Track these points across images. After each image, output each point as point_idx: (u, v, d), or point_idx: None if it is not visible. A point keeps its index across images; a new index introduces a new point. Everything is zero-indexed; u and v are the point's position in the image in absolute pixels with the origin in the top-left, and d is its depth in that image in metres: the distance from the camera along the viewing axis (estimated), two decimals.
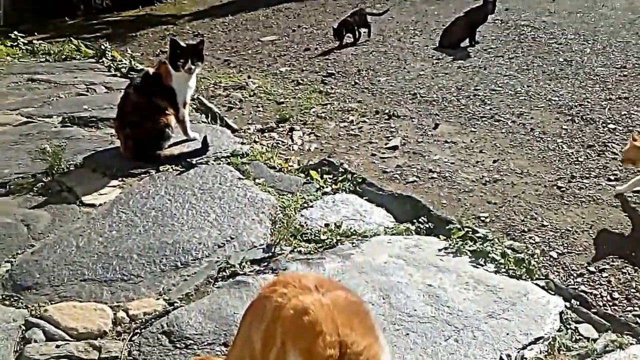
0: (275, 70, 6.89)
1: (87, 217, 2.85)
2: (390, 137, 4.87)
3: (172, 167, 3.36)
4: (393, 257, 2.54)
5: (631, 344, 2.15)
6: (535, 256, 2.80)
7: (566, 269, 3.11)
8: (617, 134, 4.74)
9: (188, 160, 3.42)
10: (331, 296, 1.39)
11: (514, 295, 2.29)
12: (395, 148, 4.65)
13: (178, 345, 2.02)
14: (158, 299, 2.30)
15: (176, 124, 3.54)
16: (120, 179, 3.25)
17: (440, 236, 2.81)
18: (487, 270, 2.48)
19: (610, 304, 2.86)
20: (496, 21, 7.81)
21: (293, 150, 4.77)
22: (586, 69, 6.21)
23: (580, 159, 4.29)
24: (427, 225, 2.92)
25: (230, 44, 8.20)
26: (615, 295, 2.89)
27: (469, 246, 2.60)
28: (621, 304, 2.84)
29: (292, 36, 8.38)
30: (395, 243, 2.67)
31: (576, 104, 5.33)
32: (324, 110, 5.51)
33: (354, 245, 2.67)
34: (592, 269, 3.11)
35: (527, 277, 2.46)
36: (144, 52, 8.17)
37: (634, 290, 2.92)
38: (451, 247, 2.64)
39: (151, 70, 3.50)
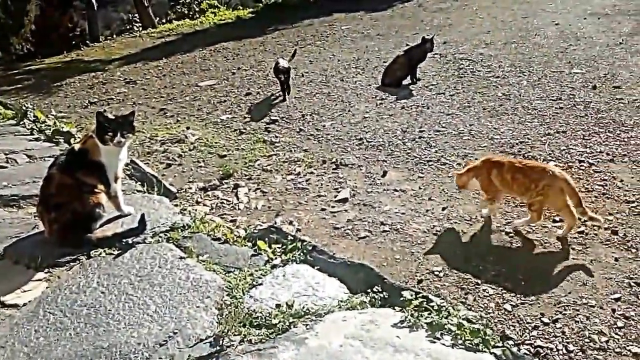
0: (215, 118, 6.75)
1: (10, 322, 2.60)
2: (339, 189, 4.79)
3: (105, 251, 3.13)
4: (349, 339, 2.41)
5: None
6: (490, 322, 2.70)
7: (521, 321, 3.09)
8: None
9: (124, 240, 3.19)
10: None
11: None
12: (345, 200, 4.57)
13: None
14: None
15: (108, 201, 3.32)
16: (46, 270, 3.00)
17: (396, 307, 2.69)
18: (444, 344, 2.38)
19: (567, 357, 2.81)
20: (435, 55, 7.90)
21: (239, 209, 4.62)
22: (524, 102, 6.31)
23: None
24: (381, 295, 2.80)
25: (166, 90, 8.00)
26: (571, 347, 2.89)
27: (425, 318, 2.49)
28: (577, 357, 2.80)
29: (232, 80, 8.26)
30: (350, 321, 2.54)
31: (517, 140, 5.39)
32: (269, 162, 5.39)
33: (307, 327, 2.52)
34: (545, 319, 3.10)
35: (484, 347, 2.36)
36: (71, 104, 7.87)
37: (588, 340, 2.92)
38: (407, 320, 2.53)
39: (77, 146, 3.29)
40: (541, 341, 2.95)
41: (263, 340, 2.47)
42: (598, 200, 4.30)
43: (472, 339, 2.42)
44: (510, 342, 2.97)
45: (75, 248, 3.05)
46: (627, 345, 2.85)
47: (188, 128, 6.43)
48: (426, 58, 7.18)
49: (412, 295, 2.62)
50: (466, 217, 4.26)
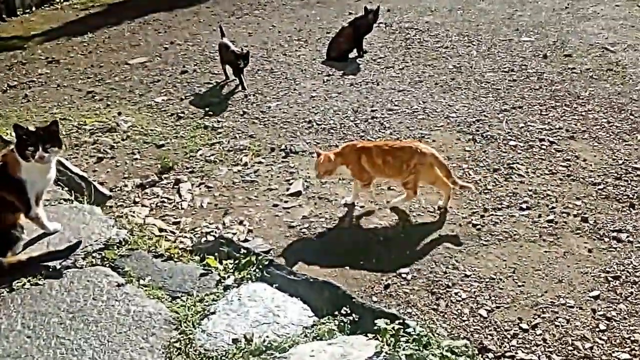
0: (149, 101, 6.22)
1: None
2: (291, 180, 4.46)
3: (30, 281, 2.69)
4: None
5: None
6: (473, 351, 2.46)
7: (498, 329, 2.90)
8: (519, 151, 4.62)
9: (47, 263, 2.75)
10: None
11: None
12: (298, 194, 4.25)
13: None
14: None
15: (27, 221, 2.87)
16: None
17: (369, 334, 2.40)
18: None
19: None
20: (380, 24, 7.56)
21: (182, 208, 4.23)
22: (476, 75, 6.10)
23: (489, 187, 4.10)
24: (350, 318, 2.50)
25: (93, 70, 7.34)
26: (555, 357, 2.71)
27: (403, 349, 2.21)
28: None
29: (165, 56, 7.68)
30: (319, 356, 2.25)
31: (474, 119, 5.17)
32: (212, 151, 4.98)
33: None
34: (524, 325, 2.91)
35: None
36: None
37: (571, 348, 2.76)
38: (383, 353, 2.24)
39: None
40: (522, 352, 2.76)
41: None
42: (564, 184, 4.14)
43: None
44: (490, 354, 2.74)
45: None
46: (613, 352, 2.69)
47: (120, 114, 5.88)
48: (372, 29, 6.83)
49: (387, 324, 2.31)
50: (429, 208, 4.02)
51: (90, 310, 2.52)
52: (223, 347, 2.35)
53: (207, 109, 5.85)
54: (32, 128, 2.85)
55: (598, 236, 3.56)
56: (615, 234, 3.57)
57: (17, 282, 2.68)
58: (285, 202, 4.22)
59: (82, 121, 5.70)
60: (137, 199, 4.41)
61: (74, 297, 2.60)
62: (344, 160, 3.85)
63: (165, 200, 4.39)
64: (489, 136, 4.91)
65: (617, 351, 2.69)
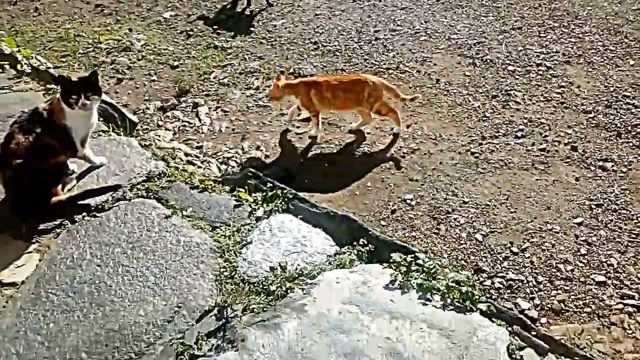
0: (157, 16, 6.36)
1: (14, 306, 2.62)
2: None
3: (87, 215, 3.10)
4: (346, 304, 2.58)
5: None
6: (476, 283, 2.93)
7: (492, 252, 3.32)
8: (516, 76, 4.91)
9: (99, 197, 3.15)
10: None
11: (465, 336, 2.43)
12: (308, 119, 4.56)
13: None
14: None
15: (74, 161, 3.23)
16: (34, 239, 2.97)
17: (384, 263, 2.86)
18: (435, 306, 2.59)
19: (537, 289, 3.11)
20: None
21: (203, 133, 4.57)
22: None
23: (487, 115, 4.43)
24: (367, 248, 2.95)
25: None
26: (540, 278, 3.14)
27: (415, 279, 2.68)
28: (546, 288, 3.09)
29: None
30: (344, 283, 2.70)
31: (474, 41, 5.40)
32: (224, 74, 5.24)
33: (304, 292, 2.67)
34: (515, 249, 3.33)
35: (471, 305, 2.60)
36: None
37: (555, 270, 3.19)
38: (398, 281, 2.71)
39: (42, 107, 3.12)
40: (512, 273, 3.22)
41: (265, 309, 2.61)
42: (557, 111, 4.48)
43: (459, 299, 2.63)
44: (484, 274, 3.22)
45: (32, 213, 2.98)
46: (591, 274, 3.16)
47: (131, 30, 6.04)
48: None
49: (400, 257, 2.77)
50: (431, 135, 4.38)
51: (146, 241, 2.94)
52: (262, 274, 2.80)
53: (215, 26, 6.00)
54: (74, 78, 3.12)
55: (585, 165, 3.95)
56: (601, 163, 3.96)
57: (78, 216, 3.07)
58: (298, 127, 4.56)
59: (96, 38, 5.86)
60: (160, 123, 4.73)
61: (130, 229, 3.01)
62: (293, 91, 4.21)
63: (187, 124, 4.71)
64: (488, 60, 5.18)
65: (594, 273, 3.17)
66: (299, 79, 4.41)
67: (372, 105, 4.13)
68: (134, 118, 4.39)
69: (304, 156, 4.20)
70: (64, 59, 5.55)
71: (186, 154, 4.25)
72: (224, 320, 2.58)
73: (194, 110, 4.82)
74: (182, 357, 2.43)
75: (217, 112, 4.78)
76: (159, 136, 4.50)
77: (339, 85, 4.10)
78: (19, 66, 4.48)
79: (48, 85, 4.28)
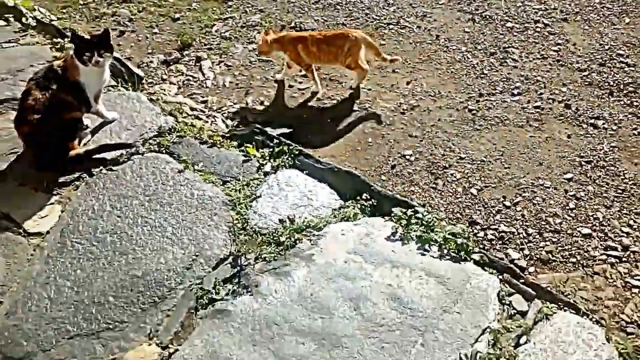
0: None
1: (42, 254, 2.81)
2: None
3: (104, 168, 3.27)
4: (351, 254, 2.79)
5: (554, 312, 2.63)
6: (470, 235, 3.14)
7: (486, 206, 3.52)
8: (514, 33, 5.02)
9: (114, 152, 3.32)
10: None
11: (459, 283, 2.66)
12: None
13: None
14: (150, 344, 2.45)
15: (87, 116, 3.38)
16: (55, 192, 3.14)
17: (385, 216, 3.06)
18: (432, 256, 2.81)
19: (526, 241, 3.33)
20: None
21: (207, 87, 4.69)
22: None
23: (485, 72, 4.57)
24: (370, 202, 3.15)
25: None
26: (530, 230, 3.36)
27: (414, 231, 2.89)
28: (535, 240, 3.32)
29: None
30: (349, 235, 2.91)
31: None
32: (226, 27, 5.32)
33: (312, 243, 2.88)
34: (507, 203, 3.53)
35: (465, 255, 2.83)
36: None
37: (544, 223, 3.40)
38: (398, 233, 2.92)
39: (56, 64, 3.24)
40: (504, 225, 3.44)
41: (275, 258, 2.82)
42: (553, 69, 4.62)
43: (455, 249, 2.85)
44: (478, 227, 3.44)
45: (51, 166, 3.16)
46: (578, 227, 3.38)
47: None
48: None
49: (401, 212, 2.97)
50: (430, 92, 4.52)
51: (162, 194, 3.12)
52: (272, 225, 3.00)
53: None
54: (87, 36, 3.23)
55: (578, 122, 4.13)
56: (593, 120, 4.13)
57: (95, 169, 3.23)
58: (300, 82, 4.69)
59: None
60: (164, 76, 4.83)
61: (146, 182, 3.19)
62: (281, 47, 4.35)
63: (190, 78, 4.82)
64: (487, 16, 5.27)
65: (581, 226, 3.38)
66: (285, 33, 4.48)
67: (346, 59, 4.25)
68: (140, 72, 4.49)
69: (307, 112, 4.33)
70: (64, 10, 5.58)
71: (192, 109, 4.38)
72: (238, 268, 2.79)
73: (197, 64, 4.91)
74: (202, 300, 2.64)
75: (220, 67, 4.88)
76: (164, 90, 4.61)
77: (323, 39, 4.23)
78: (24, 19, 4.54)
79: (54, 39, 4.34)
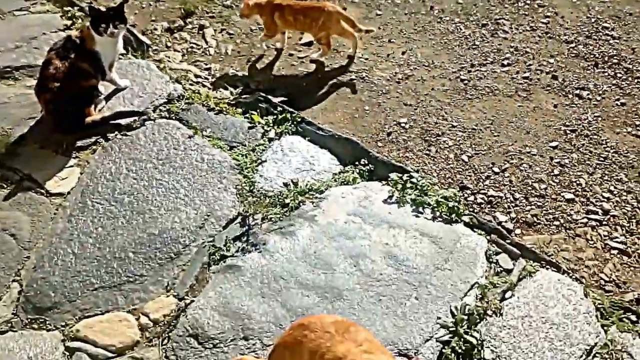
0: None
1: (64, 213, 3.04)
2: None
3: (119, 133, 3.48)
4: (351, 215, 3.04)
5: (536, 270, 2.91)
6: (461, 199, 3.39)
7: (476, 172, 3.76)
8: (505, 5, 5.22)
9: (129, 119, 3.53)
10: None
11: (450, 243, 2.93)
12: (310, 43, 4.86)
13: (207, 346, 2.51)
14: (168, 296, 2.71)
15: (102, 84, 3.59)
16: (74, 155, 3.36)
17: (382, 181, 3.31)
18: (426, 218, 3.07)
19: (513, 205, 3.58)
20: None
21: (210, 54, 4.85)
22: None
23: (477, 43, 4.77)
24: (368, 167, 3.39)
25: None
26: (517, 195, 3.61)
27: (409, 195, 3.14)
28: (521, 204, 3.57)
29: None
30: (348, 197, 3.16)
31: None
32: None
33: (314, 205, 3.12)
34: (496, 169, 3.77)
35: (456, 217, 3.09)
36: None
37: (530, 188, 3.65)
38: (394, 196, 3.17)
39: (74, 34, 3.42)
40: (493, 190, 3.68)
41: (281, 219, 3.07)
42: (541, 41, 4.82)
43: (447, 212, 3.11)
44: (468, 191, 3.69)
45: (71, 129, 3.38)
46: (561, 192, 3.63)
47: None
48: None
49: (398, 177, 3.21)
50: (424, 62, 4.72)
51: (174, 158, 3.34)
52: (277, 188, 3.24)
53: None
54: (103, 9, 3.41)
55: (564, 93, 4.35)
56: (578, 91, 4.35)
57: (111, 135, 3.45)
58: (299, 51, 4.87)
59: None
60: (168, 44, 4.99)
61: (159, 147, 3.41)
62: (259, 11, 4.58)
63: (194, 46, 4.98)
64: None
65: (565, 192, 3.63)
66: (267, 0, 4.63)
67: (318, 32, 4.47)
68: (147, 40, 4.65)
69: (306, 80, 4.53)
70: None
71: (196, 76, 4.56)
72: (247, 227, 3.03)
73: (200, 32, 5.06)
74: (214, 257, 2.89)
75: (222, 35, 5.04)
76: (169, 57, 4.78)
77: (300, 10, 4.46)
78: None
79: (64, 8, 4.49)
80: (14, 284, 2.76)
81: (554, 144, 3.90)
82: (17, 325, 2.61)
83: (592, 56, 4.64)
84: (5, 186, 3.21)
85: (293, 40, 4.96)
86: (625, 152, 3.81)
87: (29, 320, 2.64)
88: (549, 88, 4.37)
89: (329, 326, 1.97)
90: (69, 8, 4.46)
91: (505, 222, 3.40)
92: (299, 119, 3.65)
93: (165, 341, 2.57)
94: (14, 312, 2.65)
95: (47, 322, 2.63)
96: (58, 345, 2.52)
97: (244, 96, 3.97)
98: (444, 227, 3.02)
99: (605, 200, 3.53)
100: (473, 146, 3.95)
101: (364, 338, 1.93)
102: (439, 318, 2.61)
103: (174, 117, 3.62)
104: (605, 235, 3.34)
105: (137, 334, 2.58)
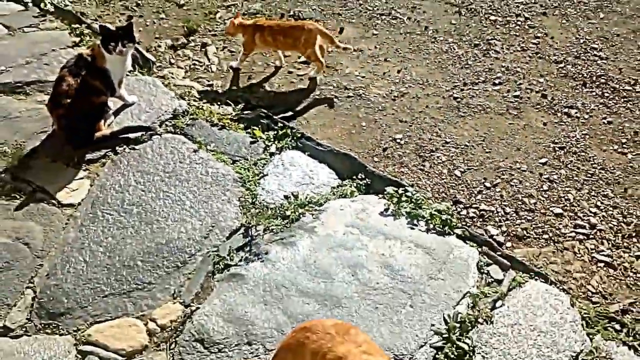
0: None
1: (75, 223, 3.18)
2: None
3: (127, 147, 3.63)
4: (349, 227, 3.20)
5: (526, 281, 3.07)
6: (454, 212, 3.55)
7: (469, 186, 3.92)
8: (497, 26, 5.41)
9: (137, 133, 3.69)
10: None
11: (444, 254, 3.08)
12: (308, 62, 5.03)
13: (212, 350, 2.65)
14: (174, 302, 2.85)
15: (111, 100, 3.75)
16: (84, 167, 3.50)
17: (379, 194, 3.47)
18: (420, 230, 3.23)
19: (504, 218, 3.74)
20: None
21: (212, 72, 5.02)
22: None
23: (469, 62, 4.96)
24: (365, 181, 3.55)
25: None
26: (507, 209, 3.77)
27: (404, 208, 3.30)
28: (512, 218, 3.73)
29: None
30: (346, 210, 3.31)
31: None
32: (229, 14, 5.64)
33: (314, 217, 3.27)
34: (487, 184, 3.93)
35: (449, 230, 3.25)
36: None
37: (520, 203, 3.81)
38: (390, 209, 3.33)
39: (85, 52, 3.59)
40: (484, 204, 3.84)
41: (282, 230, 3.22)
42: (532, 61, 5.02)
43: (440, 224, 3.27)
44: (461, 205, 3.85)
45: (82, 144, 3.54)
46: (550, 207, 3.79)
47: None
48: None
49: (394, 190, 3.37)
50: (419, 80, 4.90)
51: (180, 171, 3.49)
52: (278, 201, 3.39)
53: None
54: (113, 28, 3.58)
55: (553, 111, 4.53)
56: (567, 109, 4.53)
57: (119, 147, 3.60)
58: (298, 69, 5.04)
59: None
60: (172, 61, 5.16)
61: (165, 160, 3.56)
62: (243, 30, 4.77)
63: (197, 63, 5.16)
64: (472, 9, 5.65)
65: (554, 206, 3.79)
66: (251, 20, 4.85)
67: (305, 50, 4.64)
68: (151, 57, 4.82)
69: (305, 97, 4.70)
70: None
71: (199, 92, 4.73)
72: (249, 238, 3.18)
73: (202, 49, 5.24)
74: (218, 265, 3.04)
75: (224, 52, 5.21)
76: (173, 74, 4.94)
77: (279, 31, 4.65)
78: (42, 5, 4.84)
79: (72, 25, 4.65)
80: (28, 290, 2.89)
81: (543, 160, 4.07)
82: (31, 330, 2.74)
83: (580, 76, 4.83)
84: (19, 197, 3.34)
85: (292, 58, 5.13)
86: (612, 168, 3.97)
87: (43, 325, 2.77)
88: (538, 106, 4.55)
89: (330, 328, 2.12)
90: (77, 25, 4.62)
91: (496, 235, 3.55)
92: (299, 135, 3.81)
93: (173, 346, 2.70)
94: (28, 317, 2.78)
95: (60, 327, 2.76)
96: (70, 349, 2.65)
97: (246, 112, 4.13)
98: (438, 239, 3.17)
99: (593, 215, 3.68)
100: (465, 162, 4.11)
101: (363, 340, 2.07)
102: (432, 325, 2.75)
103: (179, 132, 3.78)
104: (592, 249, 3.49)
105: (146, 339, 2.71)
